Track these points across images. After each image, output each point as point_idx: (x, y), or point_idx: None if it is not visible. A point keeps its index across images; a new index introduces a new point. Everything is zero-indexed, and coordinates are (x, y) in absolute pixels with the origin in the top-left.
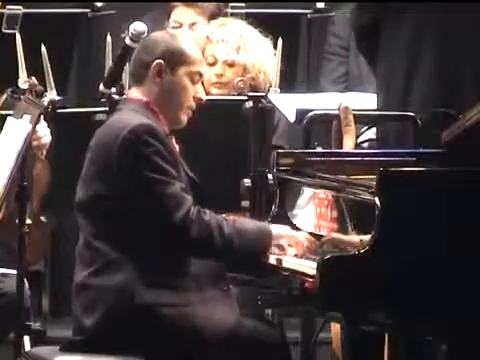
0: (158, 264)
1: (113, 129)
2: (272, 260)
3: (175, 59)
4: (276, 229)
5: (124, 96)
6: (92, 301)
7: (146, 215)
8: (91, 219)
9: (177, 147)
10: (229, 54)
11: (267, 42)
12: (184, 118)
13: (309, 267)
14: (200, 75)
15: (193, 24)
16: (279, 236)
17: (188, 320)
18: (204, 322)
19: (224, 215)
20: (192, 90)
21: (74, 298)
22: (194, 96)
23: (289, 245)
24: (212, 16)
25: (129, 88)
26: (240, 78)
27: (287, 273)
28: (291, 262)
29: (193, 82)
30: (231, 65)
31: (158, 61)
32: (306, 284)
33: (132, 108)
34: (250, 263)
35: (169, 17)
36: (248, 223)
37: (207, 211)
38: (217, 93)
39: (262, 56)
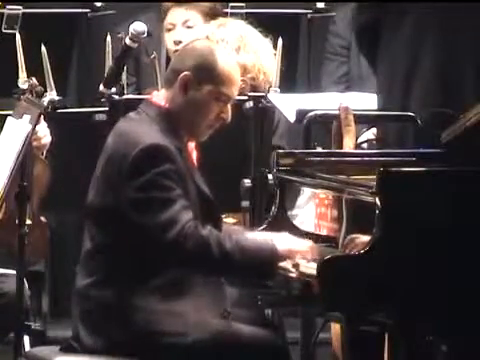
0: (158, 285)
1: (129, 140)
2: (288, 264)
3: (203, 76)
4: (282, 245)
5: (124, 96)
6: (90, 312)
7: (144, 233)
8: (96, 228)
9: (195, 154)
10: (229, 54)
11: (267, 42)
12: (204, 133)
13: (311, 268)
14: (228, 97)
15: (186, 22)
16: (288, 253)
17: (185, 348)
18: (201, 349)
19: (224, 217)
20: (216, 108)
21: (74, 302)
22: (217, 115)
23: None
24: (212, 15)
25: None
26: (241, 78)
27: (294, 275)
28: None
29: (219, 101)
30: None
31: (186, 73)
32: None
33: (150, 115)
34: (255, 279)
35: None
36: (253, 239)
37: (208, 227)
38: None
39: (262, 56)
